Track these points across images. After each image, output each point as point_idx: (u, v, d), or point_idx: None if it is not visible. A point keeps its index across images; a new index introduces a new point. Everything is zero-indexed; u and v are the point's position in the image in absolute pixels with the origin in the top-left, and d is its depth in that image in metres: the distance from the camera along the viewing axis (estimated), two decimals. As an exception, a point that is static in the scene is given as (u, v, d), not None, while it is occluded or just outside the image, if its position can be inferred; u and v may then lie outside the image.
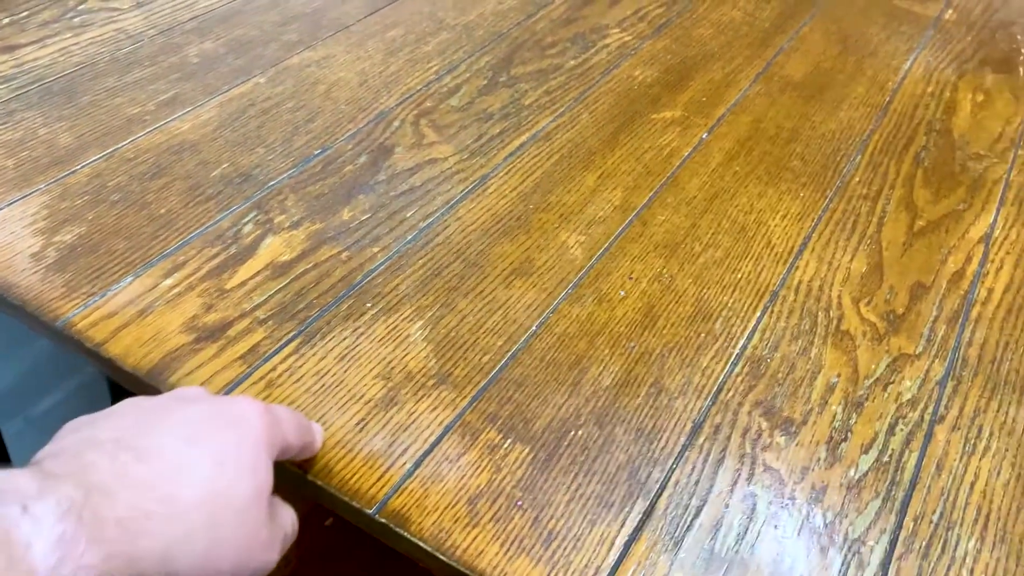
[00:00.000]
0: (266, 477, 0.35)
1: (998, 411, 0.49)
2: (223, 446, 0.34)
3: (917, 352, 0.52)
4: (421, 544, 0.39)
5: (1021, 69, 0.83)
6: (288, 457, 0.39)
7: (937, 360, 0.52)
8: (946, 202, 0.65)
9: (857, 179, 0.66)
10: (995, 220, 0.63)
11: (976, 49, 0.85)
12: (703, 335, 0.51)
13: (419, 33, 0.77)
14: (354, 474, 0.42)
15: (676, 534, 0.41)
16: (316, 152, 0.61)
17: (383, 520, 0.40)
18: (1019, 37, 0.88)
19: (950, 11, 0.92)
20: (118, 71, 0.67)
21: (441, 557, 0.39)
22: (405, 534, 0.40)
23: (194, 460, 0.33)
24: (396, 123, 0.65)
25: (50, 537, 0.28)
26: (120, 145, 0.60)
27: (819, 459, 0.45)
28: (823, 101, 0.75)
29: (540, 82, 0.72)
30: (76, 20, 0.72)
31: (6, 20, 0.71)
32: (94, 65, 0.67)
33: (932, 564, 0.41)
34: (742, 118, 0.71)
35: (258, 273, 0.52)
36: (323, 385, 0.46)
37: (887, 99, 0.76)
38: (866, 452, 0.46)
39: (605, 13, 0.84)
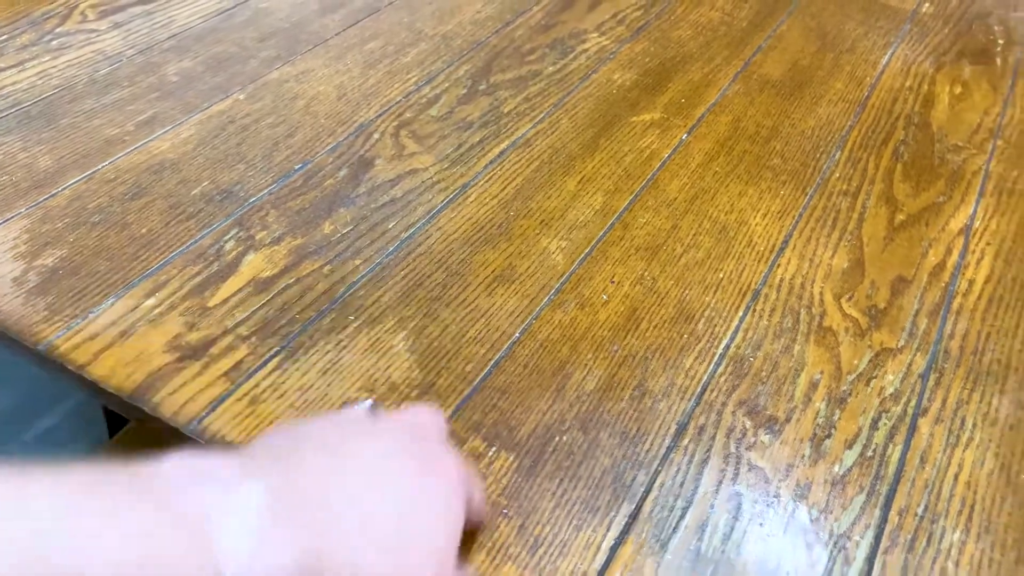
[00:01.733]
0: (459, 524, 0.34)
1: (980, 402, 0.49)
2: (426, 482, 0.33)
3: (899, 346, 0.52)
4: (407, 555, 0.39)
5: (998, 60, 0.83)
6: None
7: (919, 353, 0.52)
8: (926, 195, 0.65)
9: (837, 175, 0.66)
10: (975, 211, 0.64)
11: (953, 41, 0.86)
12: (686, 336, 0.52)
13: (398, 44, 0.77)
14: (339, 488, 0.42)
15: (662, 536, 0.41)
16: (296, 167, 0.62)
17: (369, 533, 0.40)
18: (996, 28, 0.89)
19: (927, 4, 0.92)
20: (96, 92, 0.67)
21: (427, 568, 0.39)
22: (391, 546, 0.40)
23: (395, 486, 0.32)
24: (376, 135, 0.66)
25: (248, 527, 0.26)
26: (100, 167, 0.60)
27: (803, 456, 0.45)
28: (802, 98, 0.75)
29: (519, 89, 0.73)
30: (54, 43, 0.72)
31: (-16, 45, 0.71)
32: (72, 87, 0.67)
33: (918, 557, 0.41)
34: (721, 118, 0.71)
35: (240, 290, 0.52)
36: (306, 400, 0.46)
37: (865, 94, 0.76)
38: (850, 447, 0.46)
39: (583, 18, 0.84)
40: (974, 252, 0.60)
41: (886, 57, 0.82)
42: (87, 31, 0.74)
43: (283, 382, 0.46)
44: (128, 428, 0.79)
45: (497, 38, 0.79)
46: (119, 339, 0.48)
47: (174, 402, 0.45)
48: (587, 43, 0.80)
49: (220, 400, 0.45)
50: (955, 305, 0.55)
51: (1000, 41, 0.86)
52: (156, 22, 0.77)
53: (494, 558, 0.40)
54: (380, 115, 0.68)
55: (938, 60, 0.82)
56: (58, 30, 0.74)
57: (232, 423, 0.44)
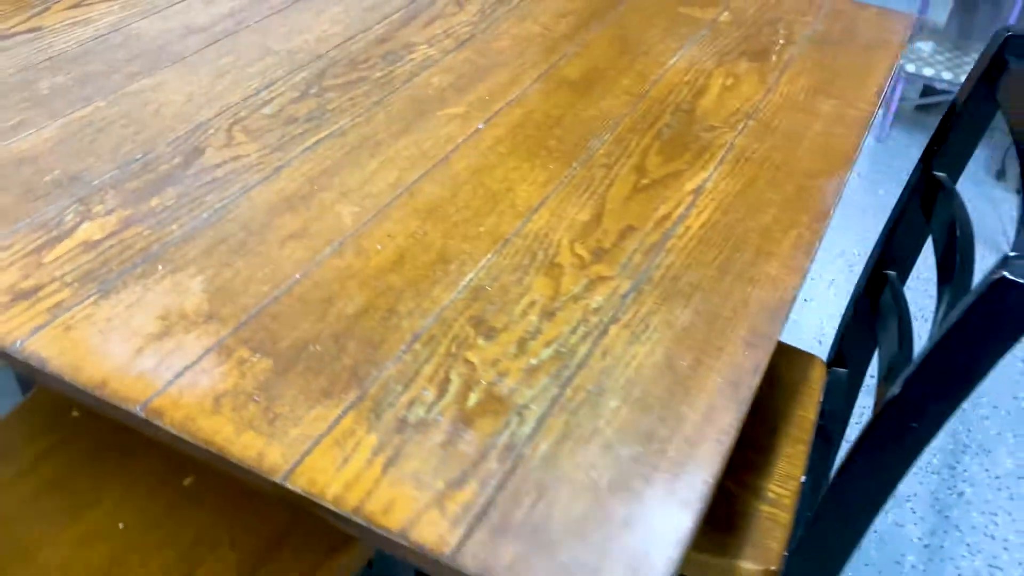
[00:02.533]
0: None
1: (667, 313, 0.61)
2: None
3: (612, 275, 0.64)
4: (171, 430, 0.51)
5: (773, 56, 0.97)
6: None
7: (627, 280, 0.64)
8: (672, 165, 0.78)
9: (602, 152, 0.79)
10: (710, 175, 0.76)
11: (739, 43, 0.99)
12: (439, 273, 0.64)
13: (248, 59, 0.90)
14: (125, 384, 0.53)
15: (378, 410, 0.53)
16: (138, 156, 0.74)
17: (144, 416, 0.51)
18: (781, 31, 1.03)
19: (726, 13, 1.06)
20: (-25, 104, 0.79)
21: (186, 438, 0.50)
22: (162, 425, 0.51)
23: None
24: (212, 130, 0.78)
25: None
26: (-31, 161, 0.72)
27: (507, 353, 0.57)
28: (591, 94, 0.88)
29: (346, 91, 0.85)
30: (-56, 66, 0.84)
31: None
32: (-45, 101, 0.79)
33: (579, 418, 0.53)
34: (516, 111, 0.84)
35: (71, 250, 0.63)
36: (112, 326, 0.57)
37: (647, 89, 0.89)
38: (548, 346, 0.58)
39: (418, 32, 0.97)
40: (698, 206, 0.72)
41: (675, 58, 0.95)
42: (-25, 56, 0.87)
43: (94, 314, 0.58)
44: (34, 392, 0.89)
45: (337, 51, 0.92)
46: (-35, 287, 0.59)
47: (2, 330, 0.56)
48: (415, 53, 0.93)
49: (40, 327, 0.56)
50: (668, 245, 0.68)
51: (780, 42, 1.00)
52: (36, 47, 0.89)
53: (239, 428, 0.51)
54: (218, 115, 0.80)
55: (720, 59, 0.96)
56: (-51, 56, 0.86)
57: (48, 344, 0.55)
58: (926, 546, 1.51)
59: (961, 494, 1.61)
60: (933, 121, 2.79)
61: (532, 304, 0.61)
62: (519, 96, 0.86)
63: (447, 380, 0.55)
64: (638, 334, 0.59)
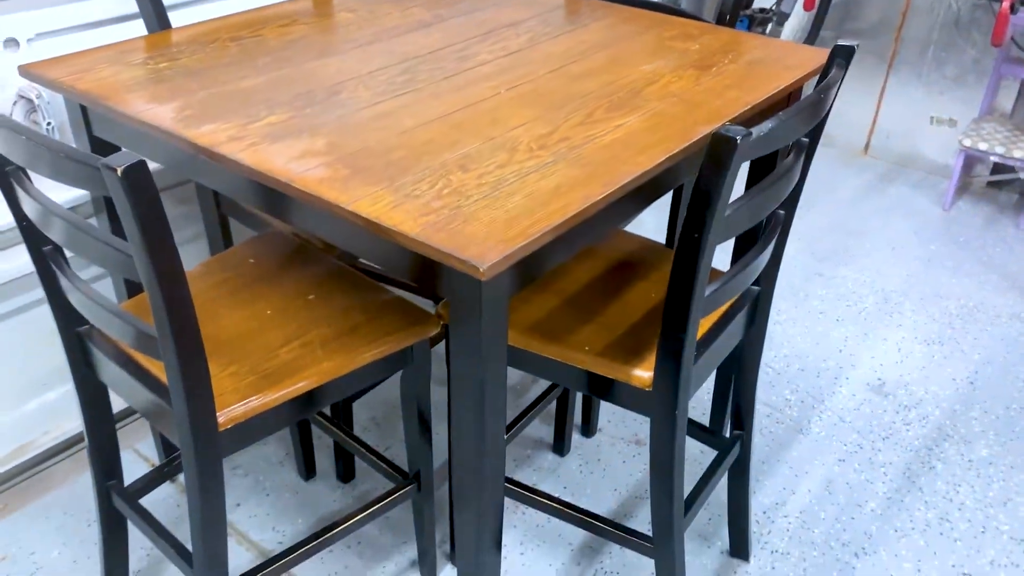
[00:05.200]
0: None
1: (567, 171, 1.09)
2: None
3: (544, 155, 1.13)
4: (299, 188, 1.04)
5: (713, 68, 1.44)
6: None
7: (552, 157, 1.13)
8: (610, 114, 1.26)
9: (571, 106, 1.28)
10: (631, 120, 1.24)
11: (695, 61, 1.47)
12: (448, 147, 1.15)
13: (375, 55, 1.47)
14: (277, 173, 1.07)
15: (396, 190, 1.04)
16: (303, 93, 1.31)
17: (286, 181, 1.05)
18: (730, 56, 1.49)
19: (697, 45, 1.54)
20: None
21: (303, 191, 1.04)
22: (292, 185, 1.05)
23: None
24: (346, 85, 1.34)
25: None
26: None
27: (471, 178, 1.07)
28: (580, 80, 1.38)
29: (428, 73, 1.40)
30: None
31: None
32: None
33: (497, 201, 1.02)
34: (528, 85, 1.36)
35: (262, 126, 1.20)
36: (280, 152, 1.12)
37: (616, 80, 1.39)
38: (494, 177, 1.08)
39: (485, 47, 1.52)
40: (614, 133, 1.20)
41: (645, 67, 1.44)
42: None
43: (271, 148, 1.13)
44: None
45: (430, 55, 1.48)
46: None
47: (225, 149, 1.12)
48: (479, 57, 1.47)
49: (243, 150, 1.12)
50: (585, 146, 1.16)
51: (725, 62, 1.47)
52: (257, 45, 1.50)
53: (329, 191, 1.04)
54: (351, 79, 1.37)
55: (676, 68, 1.44)
56: None
57: (248, 157, 1.11)
58: (888, 498, 1.82)
59: (932, 468, 1.90)
60: (1004, 196, 3.07)
61: (493, 163, 1.11)
62: (533, 79, 1.38)
63: (435, 184, 1.06)
64: (545, 176, 1.08)
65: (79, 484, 1.78)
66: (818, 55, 1.50)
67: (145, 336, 1.04)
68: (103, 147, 1.41)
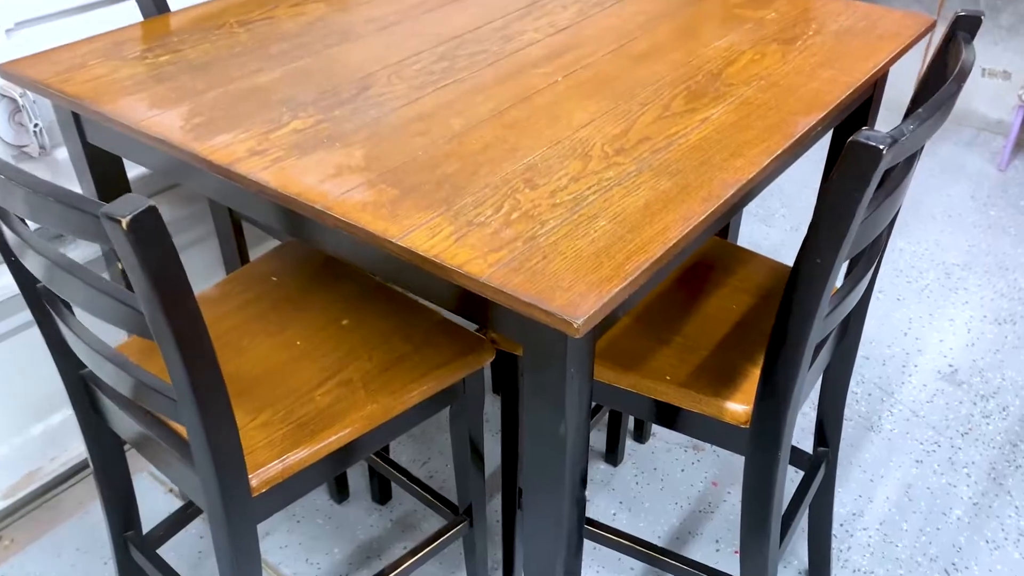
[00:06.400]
0: None
1: (655, 183, 0.92)
2: None
3: (624, 162, 0.95)
4: (337, 217, 0.86)
5: (798, 42, 1.25)
6: None
7: (634, 165, 0.95)
8: (690, 105, 1.08)
9: (641, 97, 1.10)
10: (716, 112, 1.06)
11: (775, 33, 1.28)
12: (508, 156, 0.97)
13: (403, 38, 1.27)
14: (312, 196, 0.89)
15: (456, 217, 0.86)
16: (328, 88, 1.12)
17: (321, 209, 0.87)
18: (813, 26, 1.30)
19: (773, 13, 1.35)
20: None
21: (343, 220, 0.86)
22: (330, 214, 0.87)
23: None
24: (376, 77, 1.15)
25: None
26: None
27: (542, 196, 0.89)
28: (645, 62, 1.19)
29: (469, 58, 1.21)
30: None
31: None
32: None
33: (577, 228, 0.84)
34: (587, 71, 1.17)
35: (285, 133, 1.01)
36: (307, 168, 0.94)
37: (689, 60, 1.20)
38: (569, 195, 0.90)
39: (529, 23, 1.32)
40: (701, 129, 1.02)
41: (718, 42, 1.25)
42: None
43: (297, 164, 0.95)
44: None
45: (468, 34, 1.29)
46: None
47: (244, 168, 0.94)
48: (524, 36, 1.28)
49: (266, 167, 0.94)
50: (670, 148, 0.98)
51: (809, 33, 1.28)
52: (271, 28, 1.30)
53: (375, 219, 0.86)
54: (382, 69, 1.18)
55: (755, 43, 1.25)
56: None
57: (270, 176, 0.93)
58: (975, 504, 1.66)
59: (1019, 466, 1.75)
60: (1060, 151, 2.86)
61: (565, 175, 0.93)
62: (591, 63, 1.19)
63: (501, 206, 0.88)
64: (631, 191, 0.90)
65: (92, 513, 1.63)
66: (915, 21, 1.31)
67: (161, 397, 0.88)
68: (99, 157, 1.23)
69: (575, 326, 0.73)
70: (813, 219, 0.84)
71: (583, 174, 0.93)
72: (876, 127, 1.13)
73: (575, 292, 0.76)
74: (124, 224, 0.66)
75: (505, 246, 0.82)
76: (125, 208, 0.67)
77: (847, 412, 1.86)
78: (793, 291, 0.90)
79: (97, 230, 0.70)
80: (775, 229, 2.50)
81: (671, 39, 1.27)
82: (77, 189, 1.37)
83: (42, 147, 1.40)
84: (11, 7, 1.33)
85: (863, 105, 1.30)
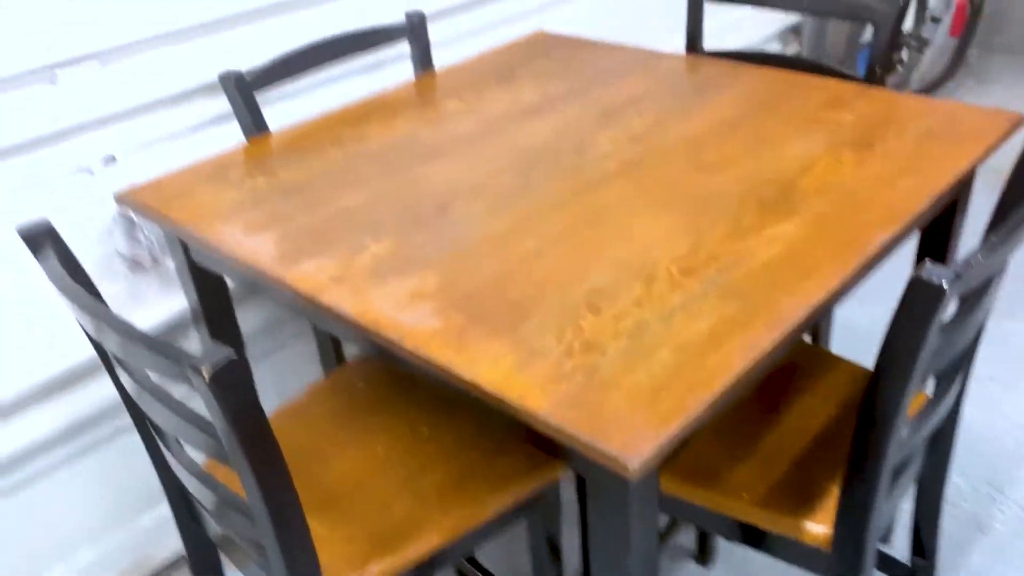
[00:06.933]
0: None
1: (720, 306, 0.92)
2: None
3: (691, 284, 0.96)
4: (407, 348, 0.91)
5: (877, 146, 1.23)
6: None
7: (700, 286, 0.96)
8: (762, 219, 1.08)
9: (712, 209, 1.11)
10: (788, 227, 1.06)
11: (854, 137, 1.27)
12: (573, 277, 0.99)
13: (488, 154, 1.33)
14: (388, 324, 0.94)
15: (518, 344, 0.89)
16: (410, 210, 1.18)
17: (396, 341, 0.92)
18: (892, 128, 1.28)
19: (853, 116, 1.34)
20: None
21: (413, 351, 0.90)
22: (403, 346, 0.91)
23: None
24: (457, 196, 1.21)
25: None
26: None
27: (604, 322, 0.91)
28: (718, 171, 1.20)
29: (546, 171, 1.25)
30: None
31: None
32: None
33: (638, 359, 0.86)
34: (658, 180, 1.19)
35: (367, 258, 1.07)
36: (384, 296, 0.99)
37: (762, 168, 1.20)
38: (632, 321, 0.91)
39: (604, 134, 1.36)
40: (770, 246, 1.02)
41: (794, 148, 1.25)
42: None
43: (376, 290, 1.00)
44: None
45: (547, 148, 1.33)
46: None
47: (329, 298, 1.00)
48: (599, 148, 1.31)
49: (347, 296, 1.00)
50: (738, 267, 0.98)
51: (889, 136, 1.26)
52: (362, 145, 1.38)
53: (443, 347, 0.89)
54: (464, 187, 1.23)
55: (832, 148, 1.24)
56: None
57: (350, 304, 0.98)
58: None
59: None
60: None
61: (629, 298, 0.95)
62: (664, 174, 1.21)
63: (564, 334, 0.90)
64: (695, 316, 0.91)
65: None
66: (997, 120, 1.27)
67: (240, 515, 0.93)
68: (202, 270, 1.32)
69: (631, 469, 0.74)
70: (879, 360, 0.83)
71: (648, 298, 0.95)
72: (972, 199, 1.10)
73: (633, 430, 0.77)
74: (206, 376, 0.72)
75: (565, 378, 0.84)
76: (209, 357, 0.73)
77: (952, 510, 1.77)
78: (867, 424, 0.88)
79: (183, 376, 0.76)
80: (870, 307, 2.42)
81: (746, 146, 1.28)
82: (183, 299, 1.47)
83: (154, 259, 1.51)
84: (128, 132, 1.46)
85: (950, 205, 1.27)
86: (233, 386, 0.74)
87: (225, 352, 0.73)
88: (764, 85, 1.48)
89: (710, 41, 1.80)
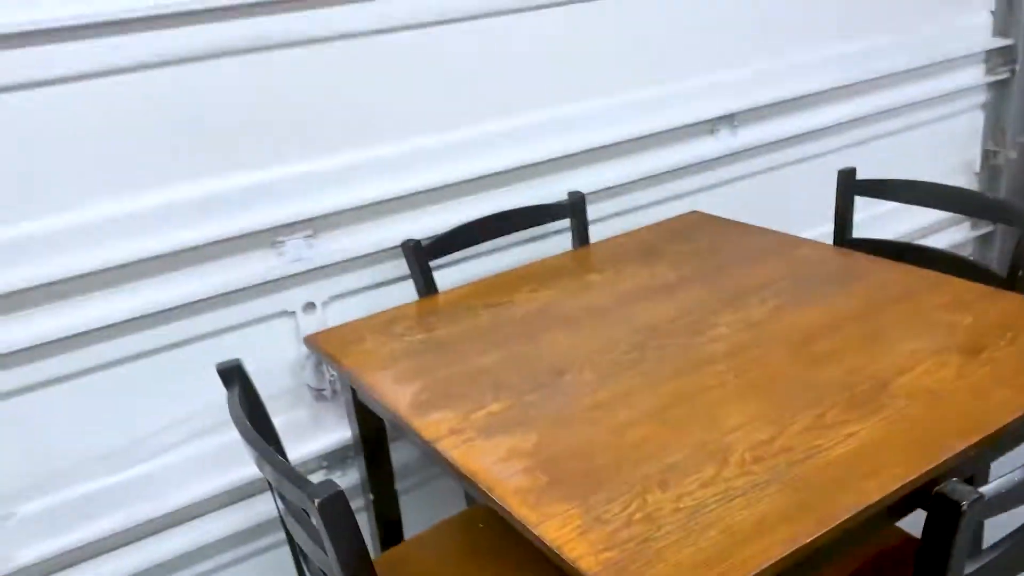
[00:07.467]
0: None
1: (778, 497, 1.00)
2: None
3: (758, 471, 1.05)
4: (501, 504, 1.06)
5: (984, 353, 1.26)
6: None
7: (766, 476, 1.04)
8: (845, 416, 1.14)
9: (801, 401, 1.19)
10: (867, 426, 1.11)
11: (963, 341, 1.30)
12: (652, 455, 1.11)
13: (606, 326, 1.49)
14: (488, 478, 1.10)
15: (587, 511, 1.02)
16: (527, 372, 1.35)
17: (489, 494, 1.08)
18: (1007, 335, 1.30)
19: (971, 319, 1.37)
20: None
21: (502, 505, 1.05)
22: (497, 501, 1.07)
23: None
24: (573, 365, 1.37)
25: None
26: None
27: (668, 499, 1.02)
28: (820, 365, 1.28)
29: (657, 349, 1.39)
30: None
31: None
32: None
33: (691, 536, 0.95)
34: (759, 371, 1.28)
35: (482, 415, 1.25)
36: (485, 451, 1.16)
37: (863, 366, 1.26)
38: (694, 500, 1.01)
39: (722, 317, 1.47)
40: (844, 443, 1.09)
41: (901, 347, 1.30)
42: None
43: (481, 446, 1.17)
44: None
45: (661, 326, 1.47)
46: (435, 424, 1.24)
47: (442, 445, 1.18)
48: (713, 330, 1.43)
49: (456, 446, 1.17)
50: (807, 462, 1.06)
51: (1000, 343, 1.28)
52: (504, 312, 1.59)
53: (525, 505, 1.04)
54: (579, 357, 1.39)
55: (939, 351, 1.28)
56: None
57: (459, 455, 1.16)
58: None
59: None
60: None
61: (697, 479, 1.05)
62: (768, 363, 1.31)
63: (629, 505, 1.02)
64: (751, 503, 1.00)
65: None
66: None
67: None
68: (365, 413, 1.56)
69: (650, 635, 0.84)
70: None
71: (714, 480, 1.05)
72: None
73: (662, 600, 0.87)
74: (316, 504, 0.91)
75: (618, 546, 0.96)
76: (320, 490, 0.92)
77: None
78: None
79: (303, 502, 0.96)
80: None
81: (855, 341, 1.34)
82: (349, 432, 1.72)
83: (335, 391, 1.78)
84: (327, 286, 1.76)
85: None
86: (336, 514, 0.92)
87: (334, 487, 0.92)
88: (893, 280, 1.54)
89: (880, 223, 1.86)
